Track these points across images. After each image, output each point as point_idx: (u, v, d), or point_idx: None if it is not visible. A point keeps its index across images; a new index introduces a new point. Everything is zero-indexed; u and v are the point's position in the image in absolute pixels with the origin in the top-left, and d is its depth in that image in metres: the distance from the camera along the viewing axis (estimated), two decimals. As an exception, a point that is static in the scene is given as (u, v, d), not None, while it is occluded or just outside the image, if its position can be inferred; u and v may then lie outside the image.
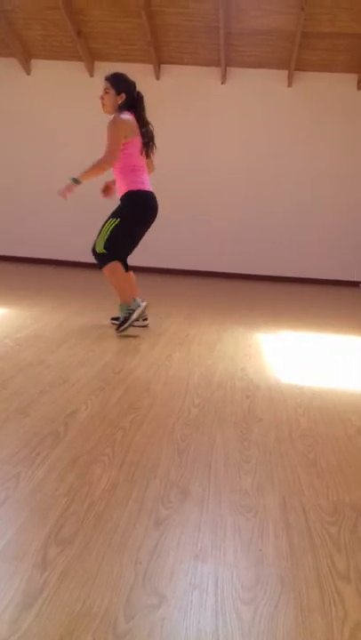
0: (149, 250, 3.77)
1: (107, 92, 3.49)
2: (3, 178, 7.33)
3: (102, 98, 3.52)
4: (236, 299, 5.54)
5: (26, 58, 6.99)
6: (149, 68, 6.85)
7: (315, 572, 1.27)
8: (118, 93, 3.47)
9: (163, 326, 3.85)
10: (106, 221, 3.52)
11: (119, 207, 3.56)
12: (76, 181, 3.39)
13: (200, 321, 3.81)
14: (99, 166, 3.40)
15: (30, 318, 3.77)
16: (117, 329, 3.49)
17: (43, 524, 1.37)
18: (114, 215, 3.52)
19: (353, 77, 6.79)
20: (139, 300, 3.54)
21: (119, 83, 3.49)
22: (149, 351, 3.17)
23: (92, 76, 7.01)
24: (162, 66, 6.89)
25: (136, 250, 3.70)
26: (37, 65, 7.09)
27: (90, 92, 7.05)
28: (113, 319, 3.73)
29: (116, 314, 3.71)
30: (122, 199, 3.57)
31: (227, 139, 6.99)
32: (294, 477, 1.74)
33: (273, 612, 1.13)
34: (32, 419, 2.04)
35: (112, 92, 3.48)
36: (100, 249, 3.50)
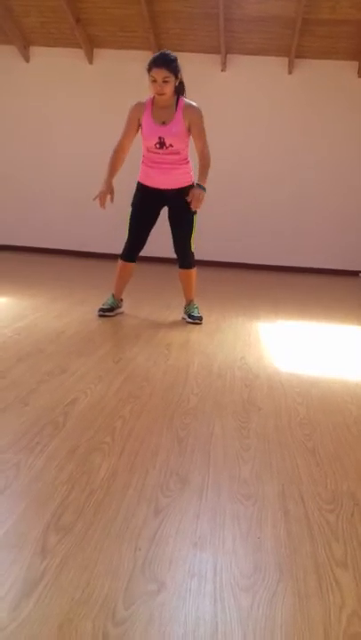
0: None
1: (166, 82, 3.25)
2: (2, 166, 7.29)
3: (162, 89, 3.27)
4: (235, 288, 5.54)
5: (24, 45, 6.93)
6: (149, 55, 6.75)
7: (313, 559, 1.28)
8: (177, 77, 3.32)
9: (162, 315, 3.86)
10: (191, 221, 3.55)
11: (187, 202, 3.46)
12: (205, 189, 3.37)
13: (200, 310, 3.81)
14: (210, 164, 3.40)
15: (30, 308, 3.77)
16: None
17: (43, 512, 1.38)
18: (192, 212, 3.51)
19: (354, 64, 6.74)
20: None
21: (177, 67, 3.29)
22: (149, 340, 3.17)
23: (91, 63, 6.96)
24: (161, 53, 6.83)
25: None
26: (36, 52, 7.03)
27: (89, 78, 7.02)
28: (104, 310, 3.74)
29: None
30: (186, 191, 3.46)
31: (227, 126, 6.94)
32: (293, 466, 1.75)
33: (271, 598, 1.14)
34: (31, 408, 2.05)
35: (172, 79, 3.27)
36: (192, 249, 3.64)
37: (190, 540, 1.32)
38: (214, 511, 1.45)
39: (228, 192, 7.03)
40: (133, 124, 3.45)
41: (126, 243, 3.63)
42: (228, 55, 6.78)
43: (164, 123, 3.38)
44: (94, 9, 6.23)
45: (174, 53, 3.35)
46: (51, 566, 1.18)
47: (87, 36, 6.68)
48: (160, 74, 3.25)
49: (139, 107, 3.43)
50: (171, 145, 3.41)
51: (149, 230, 3.63)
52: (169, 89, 3.30)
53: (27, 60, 7.05)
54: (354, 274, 7.17)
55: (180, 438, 1.89)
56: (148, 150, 3.47)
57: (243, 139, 7.01)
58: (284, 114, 6.94)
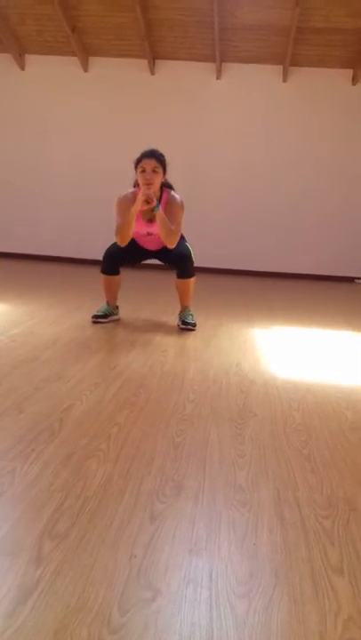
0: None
1: (155, 172, 3.39)
2: (-3, 174, 7.31)
3: (151, 178, 3.37)
4: (230, 294, 5.55)
5: (20, 53, 6.96)
6: (144, 63, 6.84)
7: (308, 565, 1.28)
8: (164, 172, 3.47)
9: (158, 322, 3.86)
10: (187, 246, 3.65)
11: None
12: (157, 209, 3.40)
13: (195, 316, 3.82)
14: (176, 234, 3.45)
15: (26, 314, 3.77)
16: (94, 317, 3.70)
17: (38, 519, 1.38)
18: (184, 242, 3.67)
19: (348, 72, 6.79)
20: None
21: (165, 163, 3.46)
22: (145, 347, 3.17)
23: (86, 71, 6.99)
24: (156, 61, 6.87)
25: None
26: (31, 60, 7.06)
27: (84, 87, 7.05)
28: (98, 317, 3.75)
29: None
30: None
31: (222, 134, 6.98)
32: (288, 472, 1.75)
33: (267, 605, 1.14)
34: (27, 415, 2.04)
35: (161, 171, 3.42)
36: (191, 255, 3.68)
37: (186, 546, 1.31)
38: (210, 517, 1.45)
39: (224, 199, 7.05)
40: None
41: (104, 258, 3.66)
42: (223, 63, 6.83)
43: (150, 220, 3.50)
44: (90, 17, 6.27)
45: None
46: (46, 573, 1.18)
47: (82, 44, 6.72)
48: (150, 164, 3.38)
49: (126, 200, 3.47)
50: (159, 234, 3.54)
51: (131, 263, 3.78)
52: (157, 180, 3.40)
53: (22, 67, 7.08)
54: (349, 280, 7.20)
55: (175, 444, 1.89)
56: (137, 233, 3.60)
57: (238, 147, 7.05)
58: (279, 122, 6.98)
